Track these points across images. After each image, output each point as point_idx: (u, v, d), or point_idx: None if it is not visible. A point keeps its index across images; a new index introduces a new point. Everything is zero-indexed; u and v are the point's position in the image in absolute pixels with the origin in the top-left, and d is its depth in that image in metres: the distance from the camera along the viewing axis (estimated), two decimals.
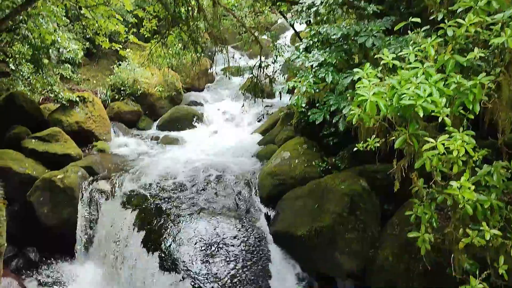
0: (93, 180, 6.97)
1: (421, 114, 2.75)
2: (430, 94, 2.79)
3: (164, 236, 5.67)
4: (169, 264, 5.45)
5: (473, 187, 2.73)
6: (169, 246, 5.56)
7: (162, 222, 5.88)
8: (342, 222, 5.21)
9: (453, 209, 3.21)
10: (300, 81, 4.75)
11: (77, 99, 8.61)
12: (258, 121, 10.34)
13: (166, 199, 6.29)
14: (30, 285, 6.14)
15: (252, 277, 5.33)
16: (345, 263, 5.14)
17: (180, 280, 5.29)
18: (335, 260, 5.17)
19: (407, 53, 3.20)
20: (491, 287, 3.06)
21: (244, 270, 5.34)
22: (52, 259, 6.66)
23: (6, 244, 4.66)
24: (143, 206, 6.22)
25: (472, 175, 3.06)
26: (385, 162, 5.65)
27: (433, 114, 2.80)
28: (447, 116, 2.79)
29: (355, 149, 3.65)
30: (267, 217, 6.13)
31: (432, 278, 4.46)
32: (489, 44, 3.04)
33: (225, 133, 9.90)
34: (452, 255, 3.38)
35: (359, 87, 3.05)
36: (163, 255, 5.52)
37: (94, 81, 11.17)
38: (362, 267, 5.18)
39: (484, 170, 3.02)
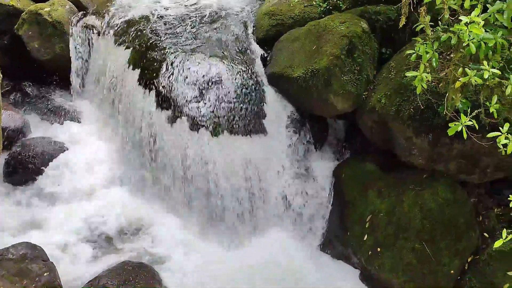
0: (83, 14, 6.66)
1: None
2: None
3: (160, 75, 5.65)
4: (165, 102, 5.55)
5: (482, 23, 2.65)
6: (165, 84, 5.59)
7: (157, 60, 5.80)
8: (339, 64, 5.17)
9: (455, 49, 3.18)
10: None
11: None
12: None
13: (160, 37, 6.10)
14: (30, 118, 6.33)
15: (247, 116, 5.50)
16: (338, 104, 5.27)
17: (177, 117, 5.45)
18: (329, 101, 5.28)
19: None
20: (478, 125, 3.20)
21: (239, 109, 5.49)
22: (50, 94, 6.74)
23: (1, 76, 4.63)
24: (136, 43, 6.06)
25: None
26: (388, 3, 5.47)
27: None
28: None
29: None
30: (263, 58, 6.06)
31: (421, 118, 4.64)
32: None
33: None
34: (447, 94, 3.45)
35: None
36: (159, 93, 5.58)
37: None
38: (354, 108, 5.34)
39: (496, 6, 2.89)
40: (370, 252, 4.95)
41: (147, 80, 5.72)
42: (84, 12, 6.74)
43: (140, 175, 5.84)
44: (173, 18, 6.57)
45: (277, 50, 5.88)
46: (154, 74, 5.69)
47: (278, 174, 5.68)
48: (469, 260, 4.78)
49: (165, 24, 6.42)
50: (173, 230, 5.57)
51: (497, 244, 2.84)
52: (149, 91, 5.67)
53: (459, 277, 4.74)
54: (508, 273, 4.25)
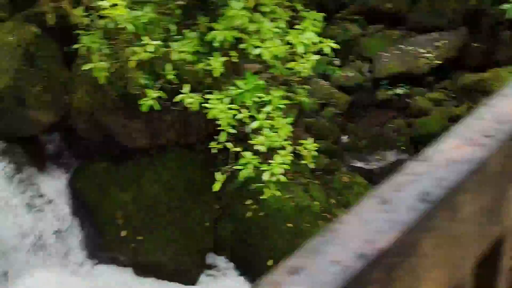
0: None
1: None
2: None
3: None
4: None
5: (124, 3, 2.79)
6: None
7: None
8: (24, 77, 4.78)
9: (118, 32, 3.29)
10: None
11: None
12: None
13: None
14: None
15: None
16: (40, 117, 4.92)
17: None
18: (30, 118, 4.88)
19: None
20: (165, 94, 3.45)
21: None
22: None
23: None
24: None
25: None
26: None
27: None
28: None
29: None
30: None
31: (125, 107, 4.75)
32: None
33: None
34: (128, 75, 3.59)
35: None
36: None
37: None
38: (61, 115, 5.06)
39: None
40: (133, 245, 4.96)
41: None
42: None
43: None
44: None
45: None
46: None
47: (9, 214, 5.01)
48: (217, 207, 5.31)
49: None
50: None
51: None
52: None
53: (215, 225, 5.23)
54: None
